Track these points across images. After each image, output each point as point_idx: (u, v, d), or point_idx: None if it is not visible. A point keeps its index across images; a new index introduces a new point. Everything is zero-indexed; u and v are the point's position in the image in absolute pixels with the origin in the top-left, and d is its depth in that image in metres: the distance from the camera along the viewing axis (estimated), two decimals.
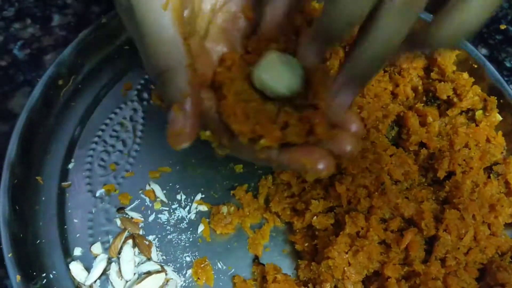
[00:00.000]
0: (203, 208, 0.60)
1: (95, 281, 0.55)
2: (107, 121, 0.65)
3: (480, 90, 0.64)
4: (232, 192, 0.61)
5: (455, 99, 0.64)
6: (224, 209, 0.59)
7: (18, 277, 0.51)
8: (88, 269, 0.56)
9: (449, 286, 0.53)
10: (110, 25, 0.65)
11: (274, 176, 0.62)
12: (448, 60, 0.67)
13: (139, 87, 0.67)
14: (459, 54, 0.68)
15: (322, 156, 0.37)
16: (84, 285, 0.54)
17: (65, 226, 0.58)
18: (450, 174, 0.59)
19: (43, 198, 0.59)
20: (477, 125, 0.63)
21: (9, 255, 0.52)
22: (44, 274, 0.55)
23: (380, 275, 0.54)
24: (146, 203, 0.60)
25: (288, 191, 0.61)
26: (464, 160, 0.59)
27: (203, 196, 0.61)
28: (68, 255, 0.56)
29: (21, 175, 0.57)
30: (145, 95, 0.67)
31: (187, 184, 0.62)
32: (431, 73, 0.67)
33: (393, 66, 0.67)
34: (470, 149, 0.60)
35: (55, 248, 0.56)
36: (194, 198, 0.61)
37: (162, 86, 0.39)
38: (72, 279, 0.55)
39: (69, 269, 0.55)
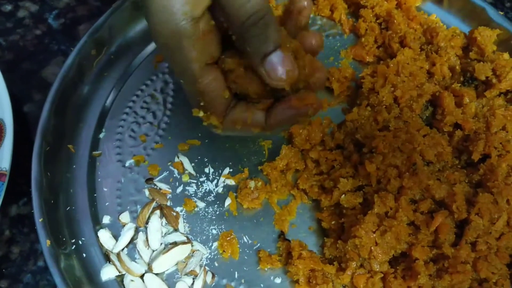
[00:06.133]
0: (231, 182, 0.60)
1: (123, 249, 0.56)
2: (138, 92, 0.66)
3: None
4: (260, 167, 0.61)
5: (494, 80, 0.62)
6: (252, 184, 0.59)
7: (48, 242, 0.52)
8: (116, 237, 0.56)
9: (478, 270, 0.51)
10: None
11: (303, 154, 0.62)
12: (488, 39, 0.64)
13: None
14: (500, 33, 0.65)
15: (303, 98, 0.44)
16: (112, 252, 0.55)
17: (95, 195, 0.59)
18: (485, 157, 0.58)
19: (74, 166, 0.60)
20: None
21: (40, 220, 0.53)
22: (73, 240, 0.56)
23: (408, 256, 0.53)
24: (175, 175, 0.61)
25: (316, 169, 0.61)
26: (500, 143, 0.57)
27: (231, 170, 0.61)
28: (97, 223, 0.57)
29: (53, 143, 0.58)
30: None
31: (215, 157, 0.62)
32: (470, 53, 0.65)
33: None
34: (507, 132, 0.58)
35: (85, 215, 0.57)
36: (222, 172, 0.61)
37: (263, 30, 0.40)
38: (100, 246, 0.56)
39: (98, 237, 0.56)
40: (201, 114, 0.44)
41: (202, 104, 0.44)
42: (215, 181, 0.61)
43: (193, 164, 0.61)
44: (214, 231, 0.58)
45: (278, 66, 0.40)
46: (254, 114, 0.43)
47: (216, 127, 0.46)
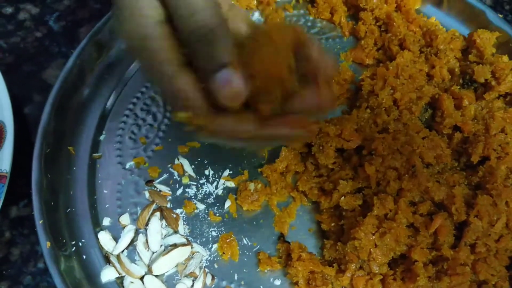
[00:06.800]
0: (231, 184, 0.61)
1: (123, 251, 0.56)
2: (139, 94, 0.66)
3: None
4: (259, 169, 0.61)
5: (493, 83, 0.62)
6: (251, 186, 0.59)
7: (48, 244, 0.52)
8: (116, 239, 0.57)
9: (478, 272, 0.52)
10: None
11: (302, 156, 0.62)
12: (487, 42, 0.64)
13: None
14: (499, 36, 0.65)
15: (301, 120, 0.41)
16: (112, 254, 0.55)
17: (95, 196, 0.59)
18: (484, 159, 0.58)
19: (74, 168, 0.60)
20: None
21: (40, 222, 0.53)
22: (74, 242, 0.56)
23: (407, 258, 0.53)
24: (175, 177, 0.61)
25: (316, 171, 0.61)
26: (499, 145, 0.57)
27: (230, 172, 0.61)
28: (97, 225, 0.57)
29: (54, 145, 0.58)
30: None
31: (215, 159, 0.62)
32: (469, 55, 0.65)
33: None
34: (506, 134, 0.58)
35: (85, 217, 0.58)
36: (222, 174, 0.61)
37: (208, 45, 0.38)
38: (101, 248, 0.56)
39: (98, 238, 0.56)
40: (183, 115, 0.43)
41: (182, 104, 0.43)
42: (215, 183, 0.61)
43: (193, 166, 0.62)
44: (214, 233, 0.58)
45: (223, 86, 0.37)
46: (246, 119, 0.42)
47: (201, 130, 0.43)
